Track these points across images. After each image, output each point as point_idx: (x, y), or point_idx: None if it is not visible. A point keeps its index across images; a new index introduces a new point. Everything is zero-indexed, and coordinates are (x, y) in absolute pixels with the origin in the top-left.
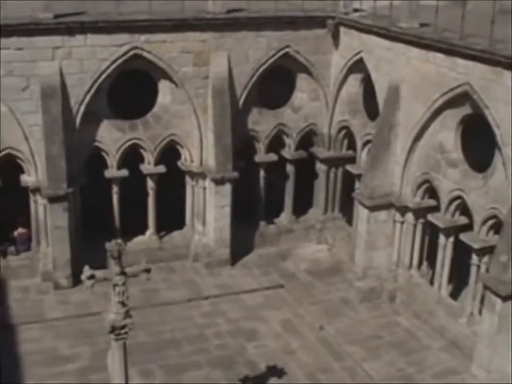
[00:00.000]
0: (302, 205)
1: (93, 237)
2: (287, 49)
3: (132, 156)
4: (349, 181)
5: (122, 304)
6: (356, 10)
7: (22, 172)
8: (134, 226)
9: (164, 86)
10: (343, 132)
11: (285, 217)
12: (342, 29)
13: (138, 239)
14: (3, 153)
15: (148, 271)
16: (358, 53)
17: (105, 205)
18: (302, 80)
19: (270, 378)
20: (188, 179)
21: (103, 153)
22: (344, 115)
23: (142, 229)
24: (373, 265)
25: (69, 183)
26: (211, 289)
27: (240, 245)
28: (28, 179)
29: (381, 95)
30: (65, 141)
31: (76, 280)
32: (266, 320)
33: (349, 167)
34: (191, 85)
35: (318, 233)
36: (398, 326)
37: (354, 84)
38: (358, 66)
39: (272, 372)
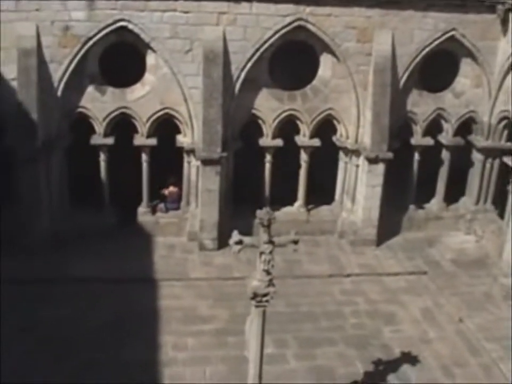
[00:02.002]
0: (454, 192)
1: (241, 203)
2: (453, 32)
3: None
4: (505, 173)
5: (267, 272)
6: None
7: (178, 132)
8: (284, 197)
9: (325, 59)
10: (503, 122)
11: (435, 204)
12: None
13: (287, 209)
14: (162, 113)
15: (296, 242)
16: None
17: (256, 172)
18: (466, 66)
19: (403, 365)
20: (341, 155)
21: (260, 121)
22: (507, 105)
23: (291, 200)
24: None
25: (223, 148)
26: (354, 268)
27: (387, 227)
28: (183, 140)
29: None
30: (223, 105)
31: (221, 243)
32: (405, 305)
33: (506, 159)
34: (352, 61)
35: (467, 223)
36: None
37: None
38: None
39: (406, 359)
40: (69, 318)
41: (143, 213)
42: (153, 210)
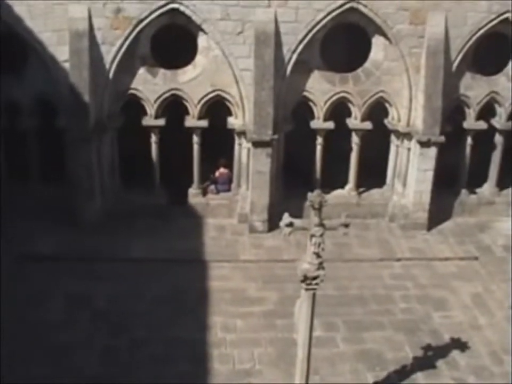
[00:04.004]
0: (507, 177)
1: (292, 186)
2: (507, 14)
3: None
4: None
5: (317, 255)
6: None
7: (229, 114)
8: (334, 179)
9: (377, 42)
10: None
11: (487, 188)
12: None
13: (337, 192)
14: (213, 94)
15: (346, 225)
16: None
17: (307, 155)
18: None
19: (452, 351)
20: (393, 138)
21: (311, 104)
22: None
23: (341, 183)
24: None
25: (274, 130)
26: (404, 252)
27: (438, 211)
28: (234, 122)
29: None
30: (274, 88)
31: (271, 225)
32: (455, 291)
33: None
34: (405, 43)
35: None
36: None
37: None
38: None
39: (455, 345)
40: (120, 296)
41: (193, 194)
42: (204, 192)
